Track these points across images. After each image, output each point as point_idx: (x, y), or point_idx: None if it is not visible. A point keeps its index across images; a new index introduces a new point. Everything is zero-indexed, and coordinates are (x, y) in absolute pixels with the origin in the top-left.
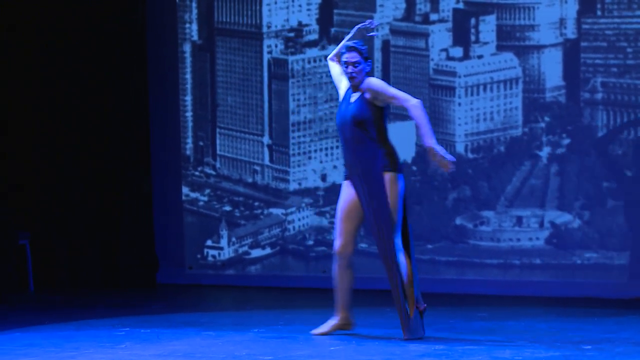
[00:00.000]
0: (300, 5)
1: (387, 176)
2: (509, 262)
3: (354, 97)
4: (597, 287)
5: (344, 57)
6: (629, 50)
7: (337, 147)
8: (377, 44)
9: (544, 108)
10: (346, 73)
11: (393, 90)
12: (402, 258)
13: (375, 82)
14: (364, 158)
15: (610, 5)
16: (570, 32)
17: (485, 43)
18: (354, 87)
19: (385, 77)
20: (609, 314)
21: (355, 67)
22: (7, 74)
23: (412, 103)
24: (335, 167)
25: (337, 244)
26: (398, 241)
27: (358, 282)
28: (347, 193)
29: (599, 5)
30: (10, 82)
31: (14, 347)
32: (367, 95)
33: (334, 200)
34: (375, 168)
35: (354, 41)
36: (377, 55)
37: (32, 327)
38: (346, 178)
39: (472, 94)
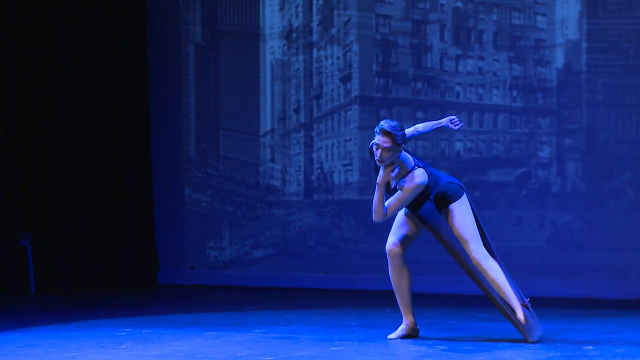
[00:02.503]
0: (302, 7)
1: (451, 207)
2: (510, 263)
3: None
4: (598, 288)
5: (376, 139)
6: (631, 51)
7: (337, 146)
8: (377, 42)
9: (544, 108)
10: (375, 153)
11: (398, 202)
12: (491, 263)
13: (411, 186)
14: (417, 212)
15: (612, 6)
16: (572, 32)
17: (485, 43)
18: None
19: (384, 76)
20: (610, 314)
21: (386, 152)
22: (8, 75)
23: (377, 217)
24: (335, 167)
25: (388, 242)
26: (482, 250)
27: (358, 282)
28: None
29: (601, 6)
30: (11, 84)
31: (14, 348)
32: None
33: (335, 201)
34: (433, 215)
35: (391, 124)
36: (377, 50)
37: (33, 328)
38: None
39: (471, 93)
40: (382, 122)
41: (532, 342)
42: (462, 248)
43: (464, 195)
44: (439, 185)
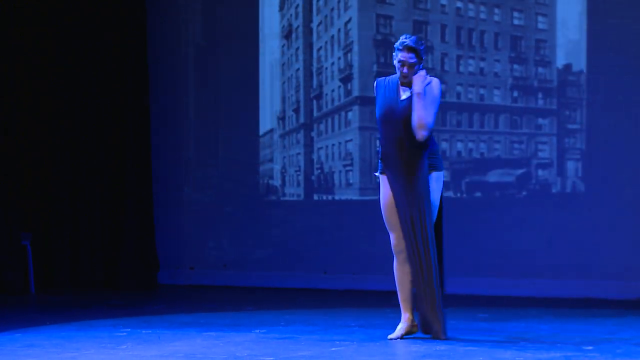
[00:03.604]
0: (302, 7)
1: (433, 175)
2: (510, 263)
3: (406, 94)
4: (598, 288)
5: (400, 56)
6: (631, 51)
7: (337, 147)
8: (378, 43)
9: (545, 108)
10: (397, 69)
11: (433, 106)
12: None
13: (435, 85)
14: (410, 157)
15: (613, 6)
16: (573, 32)
17: (486, 43)
18: (405, 84)
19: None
20: (609, 314)
21: (412, 68)
22: (8, 75)
23: (424, 129)
24: (335, 167)
25: (393, 239)
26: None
27: (358, 282)
28: (388, 188)
29: (601, 6)
30: (11, 84)
31: (15, 348)
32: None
33: (335, 201)
34: (422, 168)
35: (412, 38)
36: (378, 51)
37: (33, 328)
38: (381, 172)
39: (472, 94)
40: (402, 39)
41: (444, 339)
42: (428, 213)
43: (443, 172)
44: (435, 141)
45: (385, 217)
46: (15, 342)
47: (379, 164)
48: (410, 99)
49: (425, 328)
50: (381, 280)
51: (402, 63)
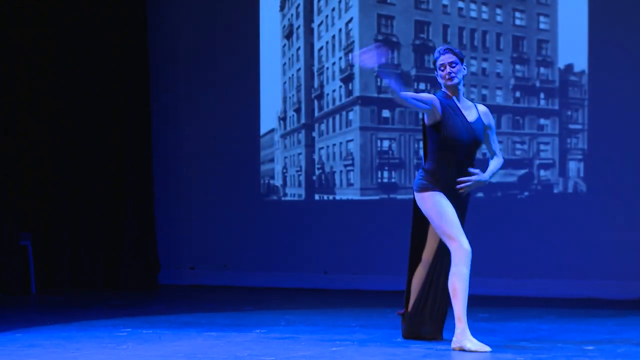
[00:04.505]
0: (303, 7)
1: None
2: (511, 263)
3: (471, 115)
4: (598, 288)
5: (440, 60)
6: (634, 50)
7: (339, 145)
8: (379, 42)
9: (547, 108)
10: (440, 76)
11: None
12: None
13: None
14: (463, 176)
15: (614, 6)
16: (574, 33)
17: (488, 44)
18: (452, 88)
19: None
20: (610, 314)
21: (453, 67)
22: (8, 75)
23: (500, 159)
24: (336, 167)
25: (465, 241)
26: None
27: (358, 282)
28: (446, 199)
29: (603, 7)
30: (11, 84)
31: (15, 348)
32: (484, 120)
33: (336, 201)
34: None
35: (448, 45)
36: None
37: (34, 328)
38: (426, 189)
39: (474, 94)
40: (440, 47)
41: (442, 340)
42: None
43: None
44: None
45: (453, 224)
46: (16, 342)
47: (424, 182)
48: (476, 122)
49: (413, 332)
50: (381, 280)
51: (443, 66)
